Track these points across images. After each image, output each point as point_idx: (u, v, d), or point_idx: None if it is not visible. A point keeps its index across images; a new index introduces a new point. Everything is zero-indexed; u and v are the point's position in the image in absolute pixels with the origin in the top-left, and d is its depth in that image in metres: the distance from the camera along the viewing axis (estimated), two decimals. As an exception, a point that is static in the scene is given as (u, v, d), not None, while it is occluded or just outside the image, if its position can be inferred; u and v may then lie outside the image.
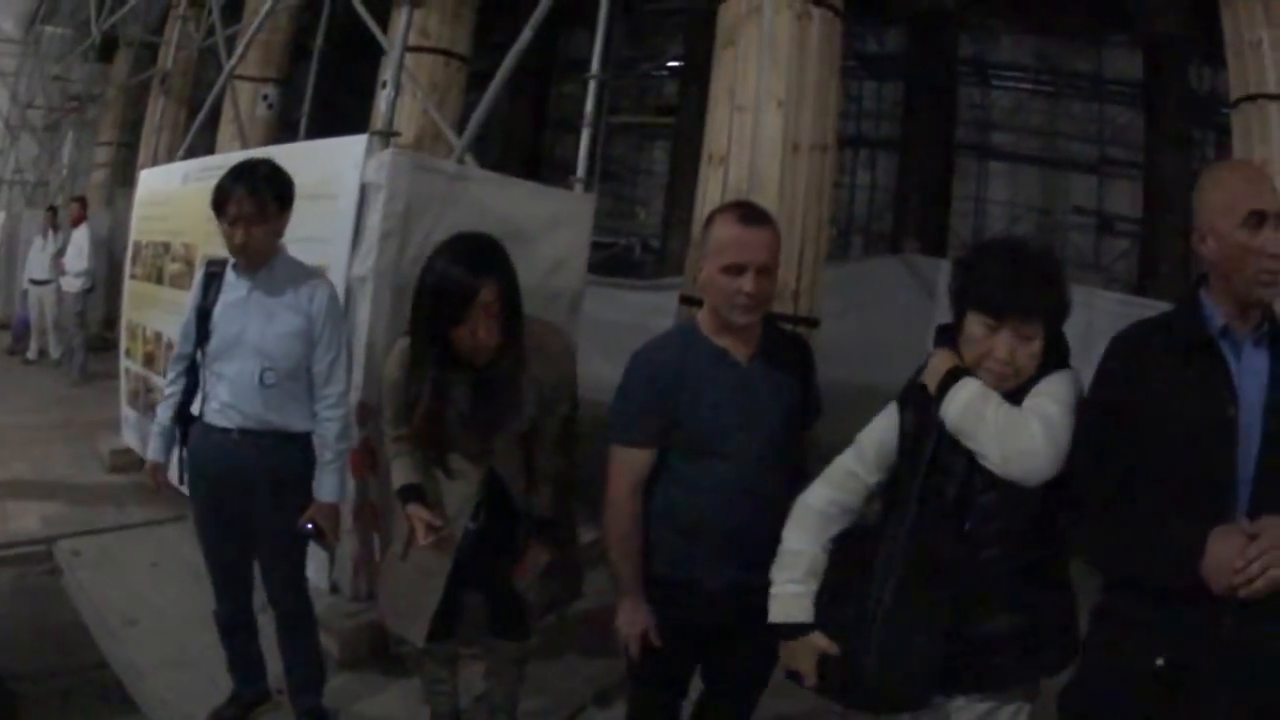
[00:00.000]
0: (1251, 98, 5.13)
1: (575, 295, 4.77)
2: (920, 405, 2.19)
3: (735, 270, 2.34)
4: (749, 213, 2.44)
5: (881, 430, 2.27)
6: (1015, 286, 2.04)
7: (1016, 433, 2.03)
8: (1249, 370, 1.92)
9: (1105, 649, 2.03)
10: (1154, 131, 12.15)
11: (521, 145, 16.65)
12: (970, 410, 2.06)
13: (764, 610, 2.28)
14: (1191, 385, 1.90)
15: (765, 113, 4.19)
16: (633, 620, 2.48)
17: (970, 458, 2.08)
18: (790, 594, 2.26)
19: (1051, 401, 2.07)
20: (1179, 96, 12.01)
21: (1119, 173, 13.32)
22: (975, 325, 2.10)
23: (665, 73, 15.90)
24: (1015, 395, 2.09)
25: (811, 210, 4.26)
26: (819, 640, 2.19)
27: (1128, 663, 1.93)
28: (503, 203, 4.34)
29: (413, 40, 5.61)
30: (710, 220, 2.49)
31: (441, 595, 2.80)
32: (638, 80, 15.04)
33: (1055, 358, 2.14)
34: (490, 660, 3.20)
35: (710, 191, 4.28)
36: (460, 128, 5.15)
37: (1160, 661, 1.85)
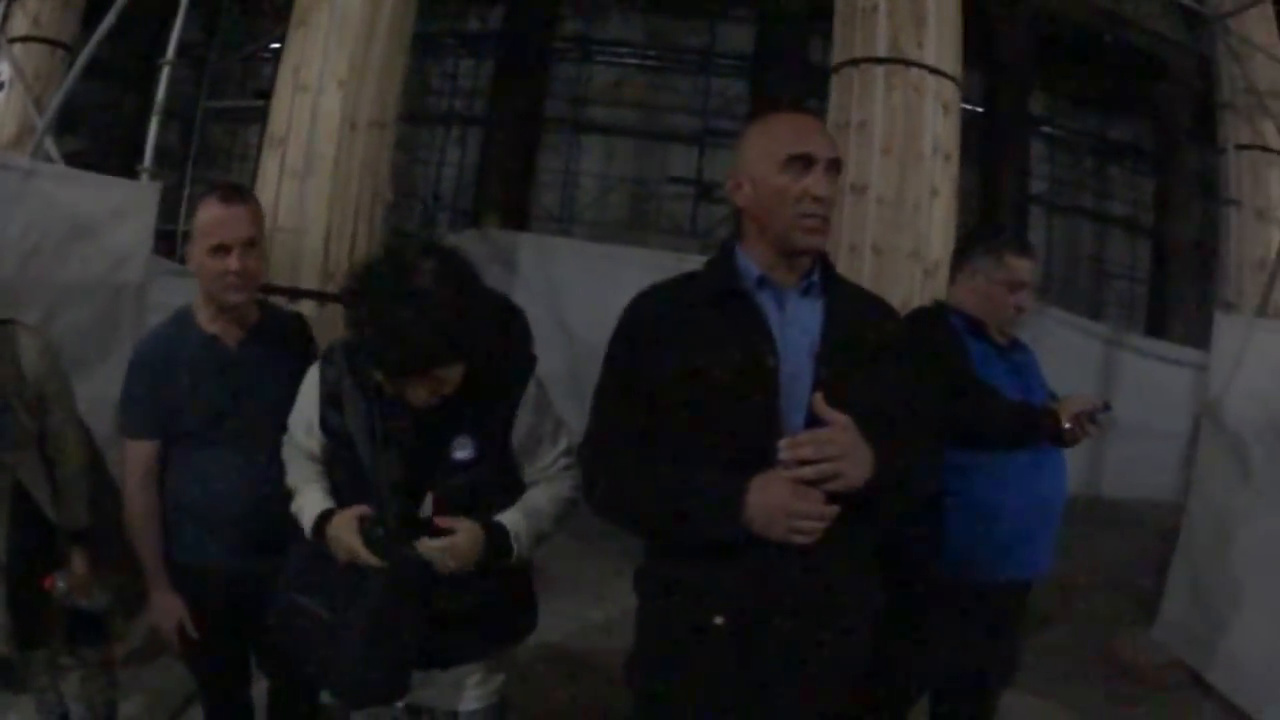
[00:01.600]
0: (855, 61, 5.40)
1: (139, 289, 4.48)
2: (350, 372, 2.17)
3: (221, 250, 2.39)
4: (228, 193, 2.49)
5: (305, 405, 2.28)
6: (398, 344, 1.94)
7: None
8: (794, 320, 1.92)
9: (658, 614, 2.00)
10: (760, 100, 12.95)
11: (125, 136, 15.37)
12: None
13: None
14: (727, 338, 1.88)
15: (326, 93, 4.45)
16: (166, 612, 2.52)
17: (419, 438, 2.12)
18: (311, 494, 2.25)
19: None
20: (791, 67, 12.93)
21: (722, 143, 13.74)
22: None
23: (269, 55, 15.35)
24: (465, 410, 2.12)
25: (366, 187, 4.63)
26: (352, 512, 2.12)
27: (683, 624, 1.90)
28: (70, 197, 4.19)
29: (24, 30, 5.67)
30: (195, 208, 2.53)
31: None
32: (242, 64, 14.37)
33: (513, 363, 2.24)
34: (80, 667, 3.14)
35: (268, 174, 4.72)
36: (68, 120, 5.24)
37: (719, 620, 1.84)
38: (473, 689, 2.28)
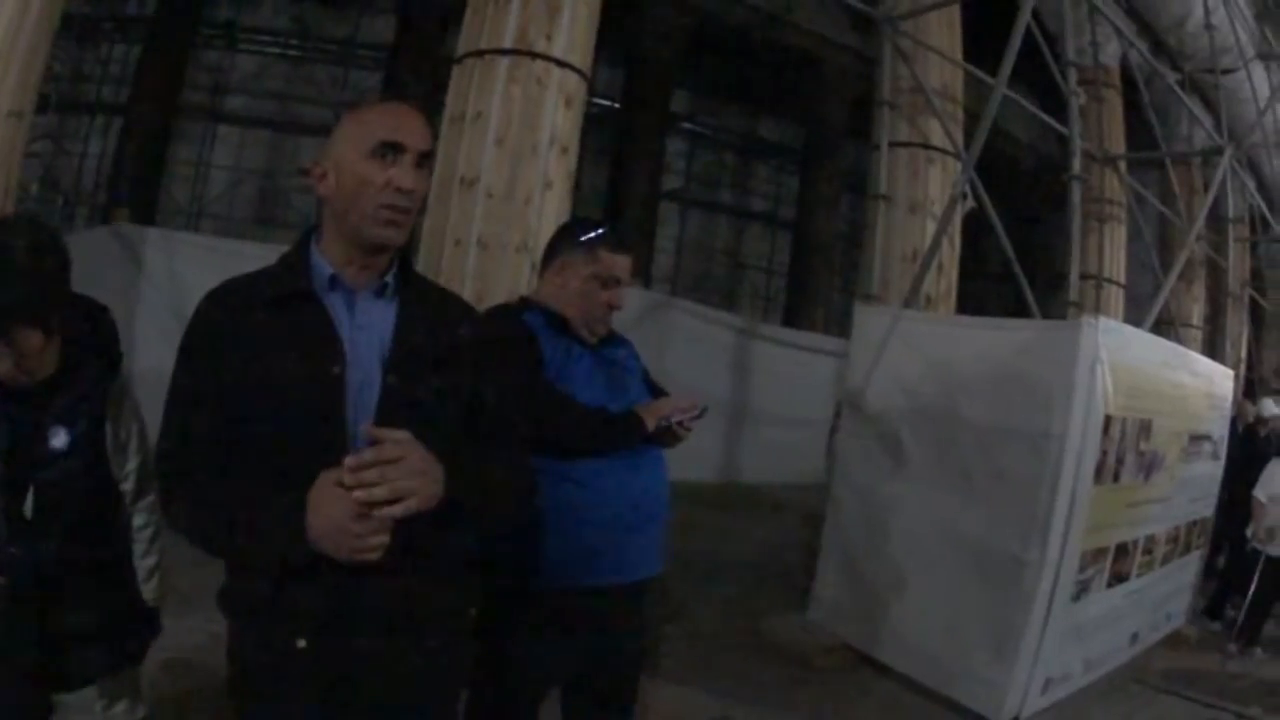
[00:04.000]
0: (480, 53, 5.40)
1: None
2: None
3: None
4: None
5: None
6: None
7: None
8: (365, 324, 1.86)
9: (242, 635, 1.90)
10: (392, 92, 12.75)
11: None
12: None
13: None
14: (291, 344, 1.79)
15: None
16: None
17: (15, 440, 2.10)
18: None
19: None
20: (425, 60, 12.95)
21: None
22: None
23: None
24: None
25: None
26: None
27: (267, 647, 1.82)
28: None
29: None
30: None
31: None
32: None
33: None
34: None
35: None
36: None
37: (301, 643, 1.78)
38: (106, 713, 2.26)
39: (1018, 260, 5.74)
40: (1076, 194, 5.75)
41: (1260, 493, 7.16)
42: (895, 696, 5.32)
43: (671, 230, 17.46)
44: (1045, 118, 6.40)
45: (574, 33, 5.52)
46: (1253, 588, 7.22)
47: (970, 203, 6.78)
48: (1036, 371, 5.14)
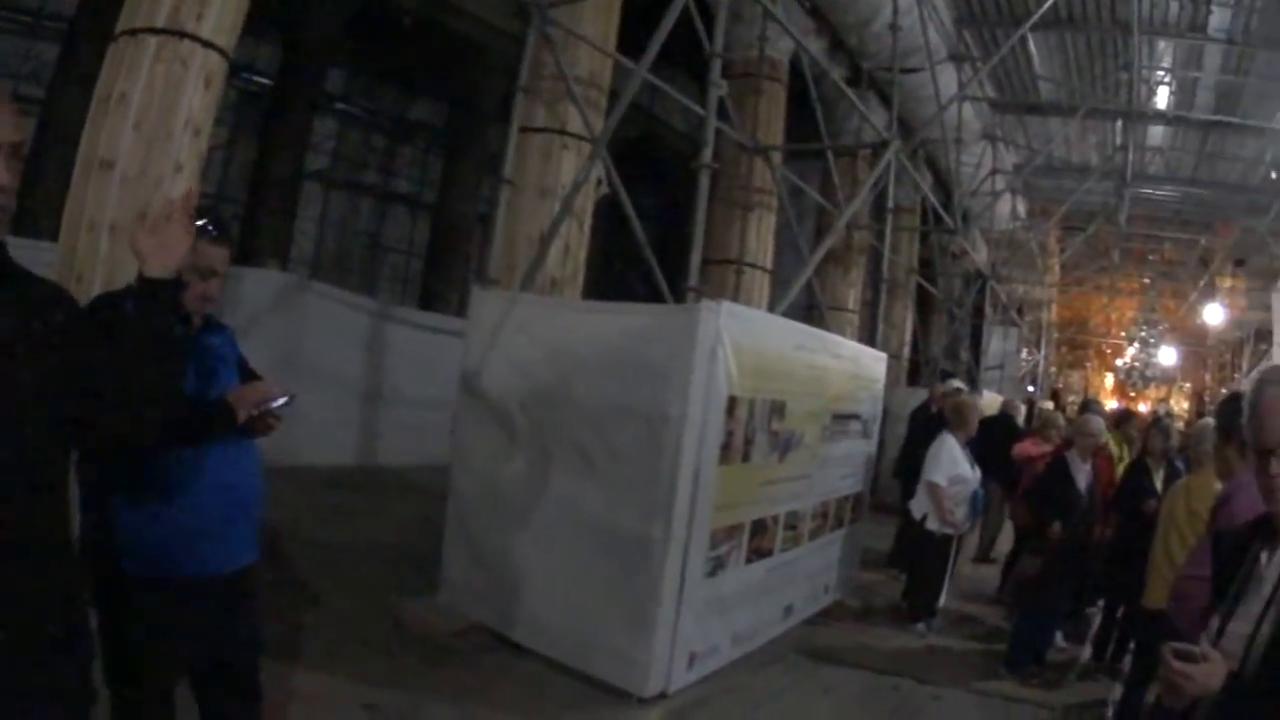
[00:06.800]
0: (134, 31, 5.39)
1: None
2: None
3: None
4: None
5: None
6: None
7: None
8: None
9: None
10: (70, 60, 12.27)
11: None
12: None
13: None
14: None
15: None
16: None
17: None
18: None
19: None
20: (102, 33, 12.03)
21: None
22: None
23: None
24: None
25: None
26: None
27: None
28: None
29: None
30: None
31: None
32: None
33: None
34: None
35: None
36: None
37: None
38: None
39: (675, 245, 5.91)
40: (704, 182, 5.94)
41: (939, 476, 7.48)
42: (539, 675, 5.41)
43: (314, 211, 17.37)
44: (694, 107, 6.61)
45: (224, 12, 5.57)
46: (921, 564, 7.74)
47: (604, 188, 6.94)
48: (655, 355, 5.33)
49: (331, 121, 17.25)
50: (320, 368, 10.06)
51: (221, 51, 5.57)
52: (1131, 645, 6.43)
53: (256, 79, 15.58)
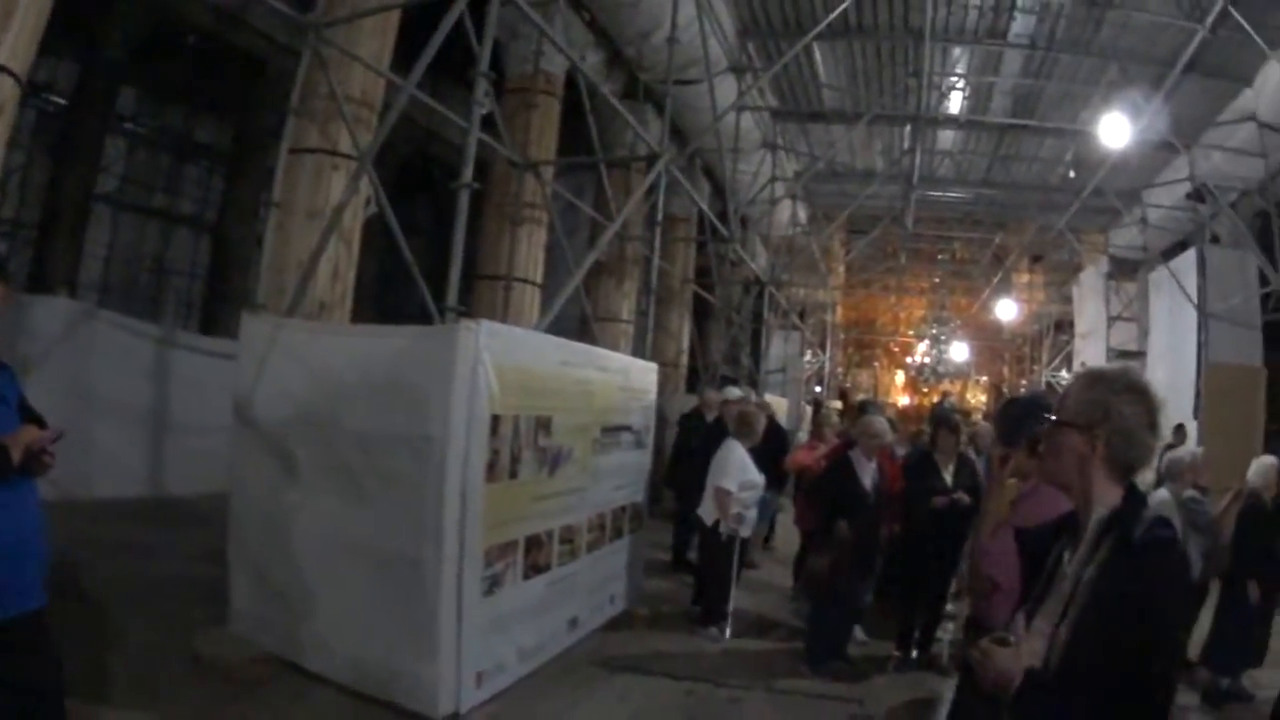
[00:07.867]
0: None
1: None
2: None
3: None
4: None
5: None
6: None
7: None
8: None
9: None
10: None
11: None
12: None
13: None
14: None
15: None
16: None
17: None
18: None
19: None
20: None
21: None
22: None
23: None
24: None
25: None
26: None
27: None
28: None
29: None
30: None
31: None
32: None
33: None
34: None
35: None
36: None
37: None
38: None
39: (449, 262, 5.89)
40: (464, 201, 5.96)
41: (729, 483, 7.65)
42: (332, 701, 5.37)
43: (104, 235, 16.65)
44: (463, 123, 6.63)
45: (21, 38, 5.35)
46: (711, 569, 7.91)
47: (373, 207, 6.89)
48: (416, 377, 5.38)
49: (122, 142, 16.48)
50: (110, 397, 9.91)
51: (15, 77, 5.33)
52: (938, 636, 6.68)
53: (53, 99, 14.83)
